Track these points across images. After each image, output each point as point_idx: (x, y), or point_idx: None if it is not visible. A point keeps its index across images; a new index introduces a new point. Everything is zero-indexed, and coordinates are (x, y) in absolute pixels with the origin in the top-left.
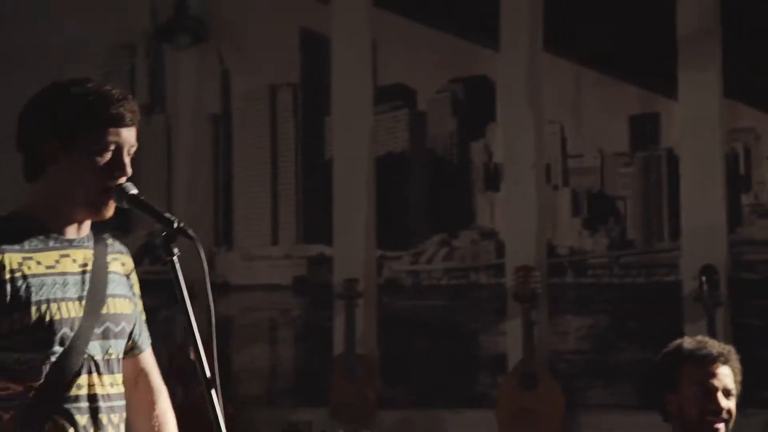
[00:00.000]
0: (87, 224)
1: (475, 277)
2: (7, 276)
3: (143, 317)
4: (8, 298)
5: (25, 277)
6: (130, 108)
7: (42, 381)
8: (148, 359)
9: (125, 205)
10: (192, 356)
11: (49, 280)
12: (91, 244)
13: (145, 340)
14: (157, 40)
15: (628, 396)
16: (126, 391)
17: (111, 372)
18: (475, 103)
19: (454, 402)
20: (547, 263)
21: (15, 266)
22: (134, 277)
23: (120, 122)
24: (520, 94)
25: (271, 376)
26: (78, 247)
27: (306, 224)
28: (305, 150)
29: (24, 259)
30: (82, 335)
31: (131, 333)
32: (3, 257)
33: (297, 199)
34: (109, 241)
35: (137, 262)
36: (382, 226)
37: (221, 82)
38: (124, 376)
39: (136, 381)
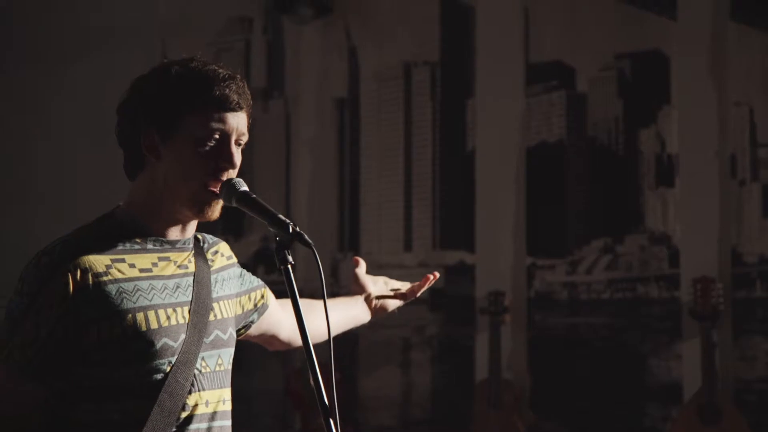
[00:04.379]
0: (192, 226)
1: (644, 290)
2: (91, 280)
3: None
4: (97, 304)
5: (115, 281)
6: (238, 89)
7: (144, 402)
8: (278, 307)
9: (234, 204)
10: (311, 381)
11: (144, 284)
12: (193, 246)
13: (268, 295)
14: (277, 12)
15: None
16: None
17: (224, 386)
18: (646, 83)
19: None
20: (731, 273)
21: (101, 269)
22: (235, 260)
23: (225, 105)
24: (700, 71)
25: (403, 403)
26: (181, 249)
27: (444, 227)
28: (444, 139)
29: (113, 261)
30: (192, 346)
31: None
32: (84, 260)
33: (434, 197)
34: (200, 237)
35: (251, 272)
36: (533, 229)
37: (348, 60)
38: (259, 337)
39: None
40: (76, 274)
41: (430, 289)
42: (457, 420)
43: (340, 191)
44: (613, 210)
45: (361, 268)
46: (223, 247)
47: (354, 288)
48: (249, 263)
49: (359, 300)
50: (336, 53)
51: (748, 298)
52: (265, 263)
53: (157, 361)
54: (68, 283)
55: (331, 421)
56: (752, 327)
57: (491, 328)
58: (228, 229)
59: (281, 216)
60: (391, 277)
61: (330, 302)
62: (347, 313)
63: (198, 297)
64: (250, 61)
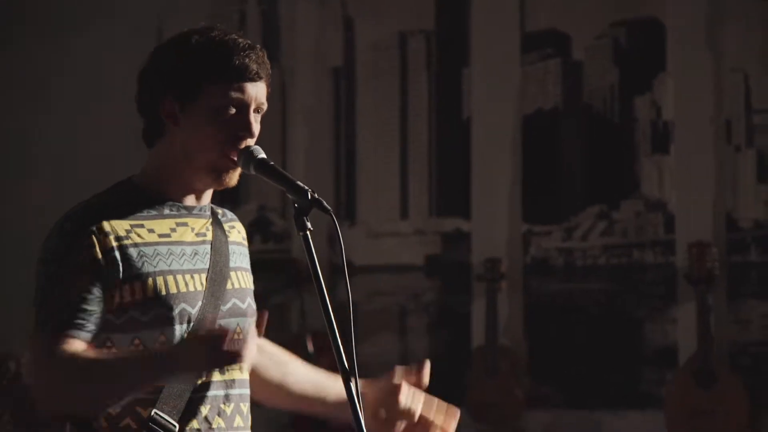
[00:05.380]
0: (208, 194)
1: (640, 256)
2: (114, 243)
3: None
4: (121, 267)
5: (136, 245)
6: (258, 59)
7: None
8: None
9: (252, 172)
10: (310, 347)
11: (163, 249)
12: (210, 214)
13: None
14: None
15: None
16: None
17: None
18: (642, 50)
19: (615, 402)
20: (726, 238)
21: (122, 233)
22: (247, 250)
23: (245, 75)
24: (696, 37)
25: None
26: (198, 216)
27: (440, 195)
28: (440, 108)
29: (132, 226)
30: (208, 314)
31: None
32: (105, 224)
33: (430, 165)
34: (219, 210)
35: (248, 240)
36: (529, 196)
37: (344, 30)
38: None
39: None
40: (100, 238)
41: (426, 256)
42: (454, 387)
43: (336, 161)
44: (609, 177)
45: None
46: (240, 226)
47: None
48: (246, 232)
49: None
50: (331, 23)
51: (743, 263)
52: (262, 233)
53: (176, 326)
54: (93, 245)
55: (352, 384)
56: (747, 291)
57: (488, 295)
58: (225, 197)
59: (299, 183)
60: (388, 244)
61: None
62: (324, 385)
63: (215, 265)
64: (245, 30)
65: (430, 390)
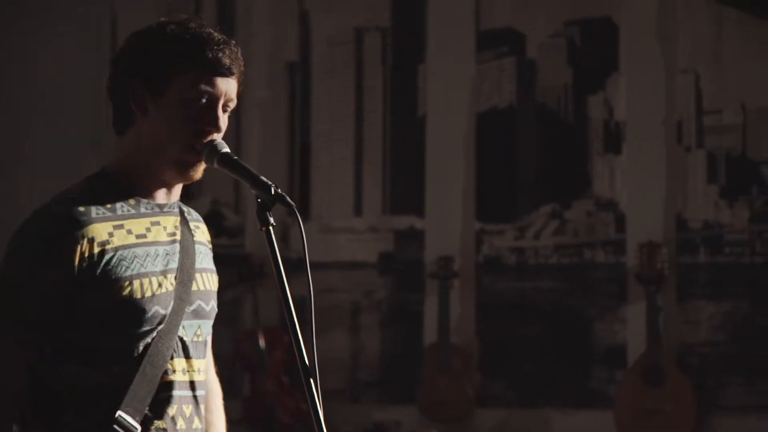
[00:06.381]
0: (177, 189)
1: (591, 255)
2: (96, 249)
3: None
4: (98, 272)
5: (116, 249)
6: (230, 55)
7: (128, 367)
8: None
9: (215, 165)
10: (262, 343)
11: (140, 251)
12: (178, 210)
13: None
14: None
15: None
16: None
17: (200, 356)
18: (595, 50)
19: (565, 400)
20: (676, 239)
21: (105, 237)
22: (211, 251)
23: (216, 69)
24: (648, 38)
25: (353, 367)
26: (168, 213)
27: (394, 192)
28: (395, 104)
29: (114, 228)
30: (176, 314)
31: None
32: (90, 228)
33: (384, 162)
34: (185, 208)
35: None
36: (482, 194)
37: (300, 24)
38: None
39: None
40: (82, 243)
41: (380, 253)
42: (406, 384)
43: (291, 155)
44: (562, 176)
45: None
46: (204, 227)
47: None
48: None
49: None
50: (288, 17)
51: (693, 263)
52: (214, 226)
53: (147, 328)
54: (74, 251)
55: (312, 381)
56: (696, 291)
57: (440, 293)
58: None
59: (263, 177)
60: (341, 240)
61: None
62: None
63: (182, 266)
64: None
65: (383, 387)
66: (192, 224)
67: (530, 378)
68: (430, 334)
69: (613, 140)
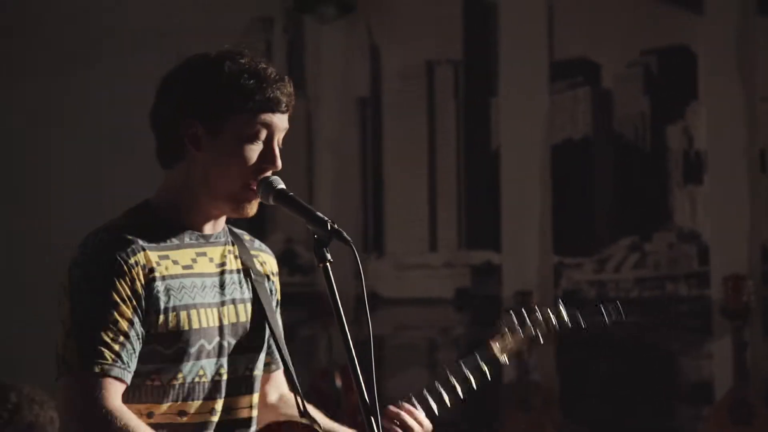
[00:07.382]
0: (222, 219)
1: (673, 288)
2: (148, 276)
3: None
4: (149, 300)
5: (164, 278)
6: (287, 91)
7: (169, 403)
8: (283, 379)
9: (271, 202)
10: (338, 382)
11: (187, 282)
12: (226, 239)
13: (283, 355)
14: (298, 12)
15: None
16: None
17: (250, 392)
18: (673, 79)
19: None
20: (762, 270)
21: (153, 265)
22: (277, 282)
23: (275, 107)
24: (728, 66)
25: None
26: (215, 244)
27: (470, 227)
28: (468, 138)
29: (160, 258)
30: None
31: (269, 345)
32: (141, 255)
33: (459, 196)
34: (246, 237)
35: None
36: (559, 227)
37: (370, 59)
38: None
39: (266, 401)
40: (137, 270)
41: (456, 289)
42: (485, 422)
43: (364, 192)
44: (641, 207)
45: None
46: (267, 257)
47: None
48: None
49: None
50: (358, 52)
51: None
52: (289, 265)
53: (192, 362)
54: (134, 279)
55: (373, 420)
56: None
57: None
58: (251, 227)
59: (319, 213)
60: (416, 276)
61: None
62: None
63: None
64: (272, 60)
65: (461, 425)
66: (253, 252)
67: (613, 415)
68: (508, 370)
69: (694, 170)
